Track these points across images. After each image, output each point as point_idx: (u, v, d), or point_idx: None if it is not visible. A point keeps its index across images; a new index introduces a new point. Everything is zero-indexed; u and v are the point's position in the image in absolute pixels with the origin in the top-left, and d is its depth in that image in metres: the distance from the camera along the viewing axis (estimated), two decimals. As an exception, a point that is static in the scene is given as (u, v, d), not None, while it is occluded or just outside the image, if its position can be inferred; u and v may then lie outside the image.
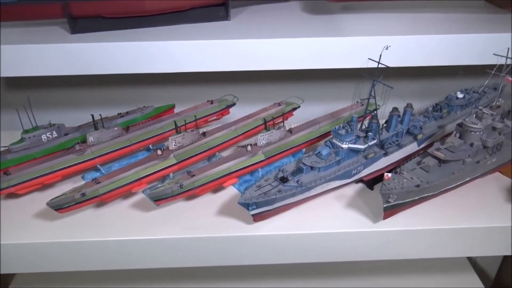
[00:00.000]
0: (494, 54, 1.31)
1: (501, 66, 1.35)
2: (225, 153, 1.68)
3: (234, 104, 1.90)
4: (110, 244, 1.35)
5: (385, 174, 1.34)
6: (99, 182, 1.40)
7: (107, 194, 1.40)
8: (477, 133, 1.44)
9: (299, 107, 1.90)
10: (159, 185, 1.40)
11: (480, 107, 1.48)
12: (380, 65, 1.27)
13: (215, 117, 1.86)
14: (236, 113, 1.89)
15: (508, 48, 1.30)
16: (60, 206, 1.34)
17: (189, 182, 1.42)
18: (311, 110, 1.90)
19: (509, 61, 1.32)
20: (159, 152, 1.52)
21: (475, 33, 1.28)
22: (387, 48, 1.26)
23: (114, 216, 1.44)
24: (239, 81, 2.00)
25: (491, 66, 1.36)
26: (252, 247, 1.40)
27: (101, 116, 1.58)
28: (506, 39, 1.28)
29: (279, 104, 1.86)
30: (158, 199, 1.39)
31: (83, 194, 1.36)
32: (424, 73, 2.08)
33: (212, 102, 1.87)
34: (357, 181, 1.58)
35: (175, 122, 1.56)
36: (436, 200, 1.49)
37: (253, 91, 2.03)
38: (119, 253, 1.38)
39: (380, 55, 1.27)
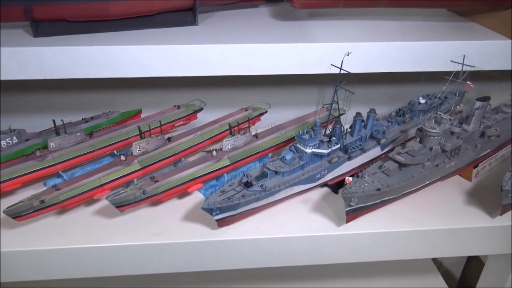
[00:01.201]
0: (451, 61, 1.35)
1: (458, 72, 1.39)
2: (191, 159, 1.67)
3: (201, 109, 1.89)
4: (71, 252, 1.33)
5: (346, 178, 1.36)
6: (59, 189, 1.37)
7: (67, 201, 1.37)
8: (436, 137, 1.48)
9: (266, 112, 1.91)
10: (122, 191, 1.38)
11: (439, 112, 1.52)
12: (342, 71, 1.29)
13: (182, 122, 1.85)
14: (204, 117, 1.89)
15: (464, 55, 1.34)
16: (17, 214, 1.31)
17: (152, 188, 1.40)
18: (280, 114, 1.91)
19: (466, 68, 1.36)
20: (122, 157, 1.50)
21: (436, 41, 1.31)
22: (348, 55, 1.27)
23: (76, 223, 1.42)
24: (207, 86, 1.99)
25: (450, 73, 1.40)
26: (217, 252, 1.40)
27: (63, 122, 1.55)
28: (465, 46, 1.32)
29: (246, 109, 1.87)
30: (121, 205, 1.37)
31: (42, 201, 1.32)
32: (389, 79, 2.12)
33: (179, 107, 1.86)
34: (322, 185, 1.59)
35: (139, 127, 1.54)
36: (397, 203, 1.52)
37: (221, 96, 2.02)
38: (81, 260, 1.35)
39: (342, 61, 1.29)
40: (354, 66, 1.29)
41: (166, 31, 1.28)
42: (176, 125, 1.84)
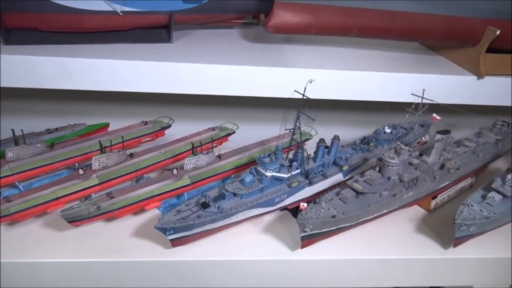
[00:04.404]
0: (411, 94, 1.38)
1: (418, 104, 1.42)
2: (152, 176, 1.66)
3: (169, 126, 1.89)
4: (16, 266, 1.30)
5: (301, 204, 1.37)
6: (10, 201, 1.34)
7: (18, 213, 1.34)
8: (394, 167, 1.50)
9: (234, 132, 1.92)
10: (75, 206, 1.36)
11: (398, 143, 1.55)
12: (305, 97, 1.30)
13: (149, 138, 1.84)
14: (175, 134, 1.88)
15: (424, 89, 1.38)
16: (-36, 225, 1.28)
17: (107, 204, 1.39)
18: (251, 135, 1.91)
19: (426, 101, 1.39)
20: (80, 171, 1.48)
21: (400, 72, 1.34)
22: (311, 82, 1.29)
23: (26, 235, 1.39)
24: (179, 103, 1.99)
25: (413, 104, 1.43)
26: (168, 272, 1.38)
27: (22, 132, 1.52)
28: (429, 80, 1.35)
29: (213, 129, 1.87)
30: (73, 221, 1.35)
31: (-9, 213, 1.30)
32: (359, 106, 2.14)
33: (146, 123, 1.85)
34: (282, 209, 1.60)
35: (100, 141, 1.53)
36: (354, 231, 1.53)
37: (193, 113, 2.02)
38: (25, 275, 1.32)
39: (305, 88, 1.30)
40: (318, 93, 1.31)
41: (140, 47, 1.28)
42: (142, 141, 1.83)
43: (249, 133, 1.94)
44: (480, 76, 1.32)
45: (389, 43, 1.52)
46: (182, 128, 1.89)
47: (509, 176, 1.58)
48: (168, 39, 1.32)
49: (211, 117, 2.00)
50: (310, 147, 1.75)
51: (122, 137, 1.62)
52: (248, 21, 1.66)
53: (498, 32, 1.28)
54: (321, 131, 1.85)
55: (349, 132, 1.91)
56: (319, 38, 1.49)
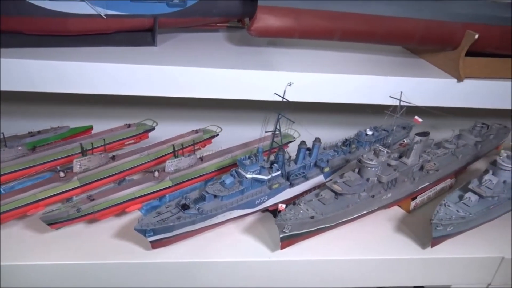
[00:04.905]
0: (390, 97, 1.41)
1: (396, 107, 1.45)
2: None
3: (153, 129, 1.90)
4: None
5: (280, 205, 1.39)
6: (-11, 203, 1.35)
7: (-3, 216, 1.34)
8: (373, 168, 1.52)
9: (217, 135, 1.93)
10: (55, 208, 1.36)
11: (377, 145, 1.58)
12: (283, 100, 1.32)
13: (132, 141, 1.85)
14: (159, 137, 1.89)
15: (401, 92, 1.40)
16: None
17: (87, 206, 1.39)
18: (236, 136, 1.93)
19: (404, 104, 1.41)
20: (61, 174, 1.49)
21: (382, 75, 1.36)
22: (290, 85, 1.31)
23: (5, 238, 1.38)
24: (162, 105, 2.00)
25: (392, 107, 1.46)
26: (148, 274, 1.38)
27: (3, 135, 1.53)
28: (408, 82, 1.37)
29: (196, 132, 1.88)
30: (52, 223, 1.35)
31: (-32, 216, 1.30)
32: (344, 108, 2.18)
33: (129, 126, 1.86)
34: (263, 211, 1.61)
35: (81, 144, 1.54)
36: (334, 232, 1.54)
37: (176, 115, 2.04)
38: (5, 278, 1.31)
39: (284, 91, 1.32)
40: (300, 95, 1.32)
41: (124, 50, 1.28)
42: (126, 143, 1.84)
43: (234, 135, 1.95)
44: (459, 79, 1.35)
45: (372, 46, 1.54)
46: (166, 131, 1.91)
47: (485, 177, 1.61)
48: (152, 42, 1.33)
49: (195, 119, 2.01)
50: (292, 149, 1.77)
51: (104, 139, 1.62)
52: (232, 24, 1.68)
53: (476, 36, 1.31)
54: (304, 133, 1.86)
55: (332, 134, 1.93)
56: (303, 42, 1.51)
